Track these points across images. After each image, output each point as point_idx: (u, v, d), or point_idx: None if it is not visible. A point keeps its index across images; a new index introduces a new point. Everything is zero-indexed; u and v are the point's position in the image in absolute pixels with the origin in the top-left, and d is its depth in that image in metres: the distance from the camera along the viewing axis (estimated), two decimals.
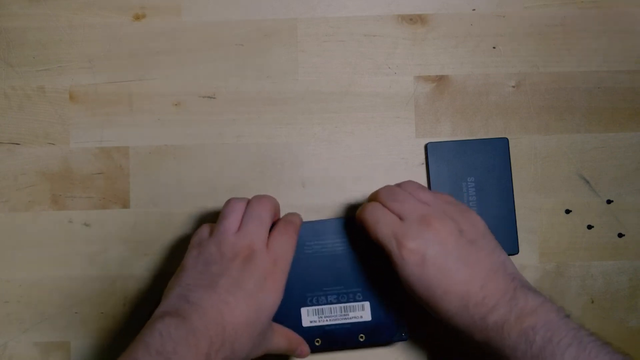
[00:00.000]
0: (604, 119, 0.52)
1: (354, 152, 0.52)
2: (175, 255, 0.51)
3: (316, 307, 0.47)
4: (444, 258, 0.40)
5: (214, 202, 0.51)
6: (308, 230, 0.47)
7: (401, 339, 0.47)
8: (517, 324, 0.37)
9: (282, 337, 0.44)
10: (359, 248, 0.47)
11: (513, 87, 0.52)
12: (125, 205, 0.51)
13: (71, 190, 0.51)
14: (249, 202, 0.44)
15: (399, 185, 0.45)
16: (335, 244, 0.47)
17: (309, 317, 0.46)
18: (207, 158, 0.52)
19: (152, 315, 0.38)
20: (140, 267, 0.51)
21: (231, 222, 0.42)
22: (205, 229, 0.43)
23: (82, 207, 0.51)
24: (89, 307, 0.50)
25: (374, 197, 0.45)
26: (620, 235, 0.52)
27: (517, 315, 0.38)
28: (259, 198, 0.44)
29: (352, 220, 0.47)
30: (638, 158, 0.52)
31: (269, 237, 0.42)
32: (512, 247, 0.51)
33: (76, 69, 0.52)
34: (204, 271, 0.40)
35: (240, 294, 0.39)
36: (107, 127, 0.52)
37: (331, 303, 0.47)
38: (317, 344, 0.46)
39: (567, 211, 0.52)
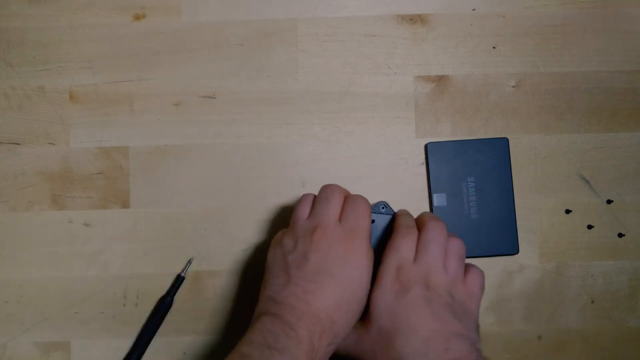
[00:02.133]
0: (604, 119, 0.52)
1: (354, 152, 0.52)
2: (175, 255, 0.51)
3: None
4: (421, 302, 0.40)
5: (214, 202, 0.51)
6: None
7: None
8: None
9: None
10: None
11: (513, 87, 0.52)
12: (125, 205, 0.51)
13: (71, 190, 0.51)
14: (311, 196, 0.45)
15: (449, 236, 0.44)
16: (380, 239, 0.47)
17: None
18: (207, 158, 0.52)
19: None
20: (140, 267, 0.51)
21: (302, 210, 0.44)
22: (281, 231, 0.44)
23: (82, 207, 0.51)
24: (89, 307, 0.50)
25: (421, 222, 0.44)
26: (620, 235, 0.52)
27: None
28: (326, 184, 0.45)
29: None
30: (638, 158, 0.52)
31: (341, 213, 0.42)
32: (512, 247, 0.51)
33: (76, 69, 0.52)
34: (283, 266, 0.41)
35: (321, 278, 0.39)
36: (107, 127, 0.52)
37: None
38: None
39: (567, 211, 0.52)
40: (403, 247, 0.42)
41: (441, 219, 0.44)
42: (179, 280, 0.50)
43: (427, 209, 0.51)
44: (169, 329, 0.50)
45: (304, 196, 0.45)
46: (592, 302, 0.51)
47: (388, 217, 0.47)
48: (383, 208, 0.47)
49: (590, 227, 0.52)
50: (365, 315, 0.42)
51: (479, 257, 0.51)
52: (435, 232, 0.43)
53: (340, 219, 0.42)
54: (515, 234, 0.51)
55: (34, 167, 0.51)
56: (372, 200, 0.47)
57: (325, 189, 0.44)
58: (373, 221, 0.46)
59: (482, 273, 0.44)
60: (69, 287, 0.51)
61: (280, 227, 0.50)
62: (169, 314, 0.50)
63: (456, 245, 0.43)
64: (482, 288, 0.43)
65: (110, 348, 0.50)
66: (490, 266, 0.51)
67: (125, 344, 0.50)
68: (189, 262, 0.51)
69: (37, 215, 0.51)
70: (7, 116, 0.52)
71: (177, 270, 0.51)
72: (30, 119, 0.52)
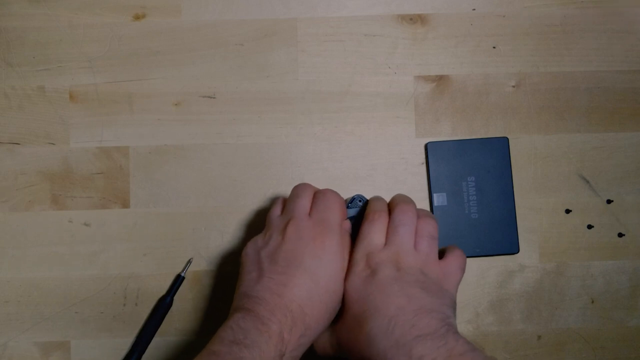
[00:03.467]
0: (604, 119, 0.52)
1: (354, 152, 0.52)
2: (176, 255, 0.51)
3: None
4: (390, 282, 0.40)
5: (214, 202, 0.51)
6: None
7: None
8: None
9: None
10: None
11: (513, 87, 0.52)
12: (125, 205, 0.51)
13: (71, 190, 0.51)
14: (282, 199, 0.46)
15: (420, 216, 0.44)
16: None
17: None
18: (207, 158, 0.52)
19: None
20: (140, 267, 0.51)
21: (274, 210, 0.45)
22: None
23: (82, 207, 0.51)
24: (89, 307, 0.50)
25: (392, 206, 0.44)
26: (620, 235, 0.52)
27: (445, 355, 0.36)
28: (297, 184, 0.46)
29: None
30: (638, 158, 0.52)
31: (311, 208, 0.43)
32: (512, 247, 0.51)
33: (76, 69, 0.52)
34: (256, 261, 0.41)
35: (293, 270, 0.40)
36: (107, 127, 0.52)
37: None
38: None
39: (567, 211, 0.52)
40: (371, 233, 0.43)
41: (411, 200, 0.44)
42: (179, 280, 0.50)
43: (427, 209, 0.51)
44: (169, 329, 0.50)
45: (276, 199, 0.47)
46: (592, 302, 0.51)
47: (360, 205, 0.47)
48: (360, 201, 0.47)
49: (590, 227, 0.52)
50: (341, 307, 0.42)
51: (479, 257, 0.51)
52: (404, 214, 0.43)
53: (310, 214, 0.43)
54: (516, 233, 0.51)
55: (34, 167, 0.51)
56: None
57: (296, 187, 0.45)
58: (353, 217, 0.46)
59: (462, 254, 0.43)
60: (69, 287, 0.51)
61: None
62: (169, 314, 0.50)
63: (427, 225, 0.43)
64: (462, 269, 0.43)
65: (110, 348, 0.50)
66: (490, 266, 0.51)
67: (125, 344, 0.50)
68: (189, 262, 0.51)
69: (37, 215, 0.51)
70: (7, 116, 0.52)
71: (177, 270, 0.51)
72: (30, 119, 0.52)
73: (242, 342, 0.36)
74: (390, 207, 0.44)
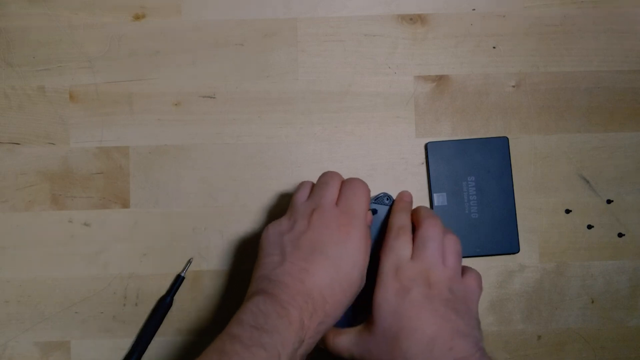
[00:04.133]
0: (604, 119, 0.52)
1: (354, 152, 0.52)
2: (176, 255, 0.51)
3: None
4: (424, 301, 0.40)
5: (214, 202, 0.51)
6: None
7: None
8: None
9: None
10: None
11: (513, 87, 0.52)
12: (125, 205, 0.51)
13: (71, 190, 0.51)
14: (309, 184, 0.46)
15: (445, 232, 0.44)
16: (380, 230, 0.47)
17: None
18: (207, 158, 0.52)
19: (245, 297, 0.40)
20: (140, 267, 0.51)
21: (300, 194, 0.44)
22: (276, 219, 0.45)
23: (82, 207, 0.51)
24: (89, 307, 0.50)
25: (417, 218, 0.44)
26: (620, 235, 0.52)
27: None
28: (325, 171, 0.45)
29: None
30: (638, 158, 0.52)
31: (338, 197, 0.43)
32: (512, 246, 0.51)
33: (76, 69, 0.52)
34: (279, 245, 0.41)
35: (316, 257, 0.39)
36: (107, 127, 0.52)
37: None
38: None
39: (567, 211, 0.52)
40: (397, 246, 0.43)
41: (437, 215, 0.44)
42: (178, 280, 0.50)
43: None
44: (169, 329, 0.50)
45: (303, 183, 0.46)
46: (592, 302, 0.51)
47: (389, 209, 0.47)
48: (387, 199, 0.47)
49: (590, 227, 0.52)
50: (369, 318, 0.42)
51: (479, 257, 0.51)
52: (433, 229, 0.43)
53: (337, 202, 0.43)
54: (516, 233, 0.51)
55: (34, 167, 0.51)
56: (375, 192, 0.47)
57: (324, 174, 0.45)
58: (375, 211, 0.46)
59: (479, 274, 0.44)
60: (69, 287, 0.51)
61: None
62: (169, 314, 0.50)
63: (453, 241, 0.43)
64: (480, 288, 0.43)
65: (110, 348, 0.50)
66: (490, 266, 0.51)
67: (125, 344, 0.50)
68: (189, 262, 0.51)
69: (37, 215, 0.51)
70: (7, 116, 0.52)
71: (177, 270, 0.51)
72: (30, 119, 0.52)
73: (262, 327, 0.36)
74: (415, 220, 0.44)
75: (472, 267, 0.44)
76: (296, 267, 0.39)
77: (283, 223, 0.43)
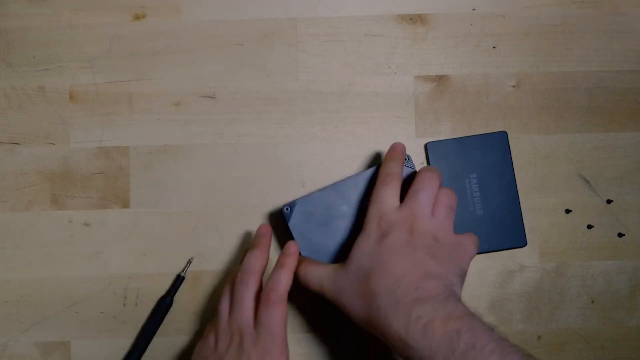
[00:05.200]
0: (604, 119, 0.52)
1: (354, 152, 0.52)
2: (175, 255, 0.51)
3: None
4: (401, 245, 0.41)
5: (214, 202, 0.51)
6: (332, 195, 0.48)
7: None
8: (442, 325, 0.37)
9: None
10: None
11: (513, 87, 0.52)
12: (125, 205, 0.51)
13: (71, 190, 0.51)
14: (233, 281, 0.44)
15: (441, 187, 0.44)
16: (361, 201, 0.48)
17: None
18: (207, 158, 0.52)
19: None
20: (140, 267, 0.51)
21: (223, 306, 0.44)
22: (209, 324, 0.45)
23: (82, 207, 0.51)
24: (89, 307, 0.50)
25: (418, 172, 0.45)
26: (620, 235, 0.52)
27: (443, 318, 0.37)
28: (241, 272, 0.43)
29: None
30: (638, 158, 0.52)
31: (256, 314, 0.42)
32: (519, 240, 0.51)
33: (76, 69, 0.52)
34: None
35: None
36: (107, 127, 0.52)
37: None
38: None
39: (567, 211, 0.52)
40: (383, 193, 0.43)
41: (437, 170, 0.45)
42: (179, 280, 0.50)
43: None
44: (169, 329, 0.50)
45: (225, 288, 0.45)
46: (592, 302, 0.51)
47: (409, 171, 0.48)
48: (406, 160, 0.48)
49: (590, 227, 0.52)
50: (346, 258, 0.43)
51: (487, 253, 0.51)
52: (427, 181, 0.43)
53: (255, 325, 0.41)
54: (522, 225, 0.51)
55: (34, 167, 0.51)
56: None
57: (240, 284, 0.43)
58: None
59: (476, 237, 0.44)
60: (69, 287, 0.51)
61: (280, 227, 0.50)
62: (169, 314, 0.50)
63: (446, 196, 0.44)
64: (475, 248, 0.44)
65: (110, 348, 0.50)
66: (490, 266, 0.51)
67: (125, 344, 0.50)
68: (189, 262, 0.51)
69: (37, 215, 0.51)
70: (7, 116, 0.52)
71: (177, 270, 0.51)
72: (30, 119, 0.52)
73: None
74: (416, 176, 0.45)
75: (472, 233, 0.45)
76: None
77: (209, 342, 0.42)
